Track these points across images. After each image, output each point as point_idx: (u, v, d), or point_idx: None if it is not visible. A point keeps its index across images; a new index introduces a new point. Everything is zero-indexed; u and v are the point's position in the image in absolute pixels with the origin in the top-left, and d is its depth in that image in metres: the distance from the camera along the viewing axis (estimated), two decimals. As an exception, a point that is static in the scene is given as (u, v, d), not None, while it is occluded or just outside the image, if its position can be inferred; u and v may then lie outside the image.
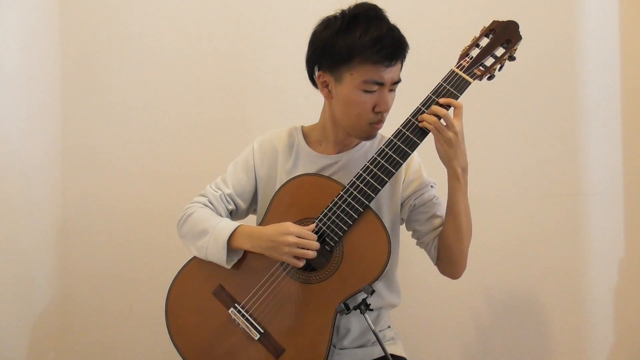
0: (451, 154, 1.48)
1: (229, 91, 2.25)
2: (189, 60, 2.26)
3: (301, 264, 1.49)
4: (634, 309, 2.22)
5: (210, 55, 2.25)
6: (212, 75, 2.25)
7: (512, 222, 2.22)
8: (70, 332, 2.27)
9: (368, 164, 1.51)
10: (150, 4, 2.26)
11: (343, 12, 1.54)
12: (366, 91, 1.50)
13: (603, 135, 2.21)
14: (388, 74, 1.50)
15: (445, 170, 1.53)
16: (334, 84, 1.54)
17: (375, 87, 1.50)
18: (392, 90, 1.55)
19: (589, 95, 2.20)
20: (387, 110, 1.55)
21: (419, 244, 1.68)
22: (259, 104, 2.24)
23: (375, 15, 1.51)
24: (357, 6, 1.54)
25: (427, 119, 1.47)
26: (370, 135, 1.59)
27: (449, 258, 1.60)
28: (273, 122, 2.16)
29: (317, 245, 1.49)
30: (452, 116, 1.47)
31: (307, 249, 1.48)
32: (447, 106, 1.49)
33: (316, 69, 1.59)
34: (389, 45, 1.47)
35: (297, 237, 1.48)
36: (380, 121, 1.56)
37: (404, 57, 1.54)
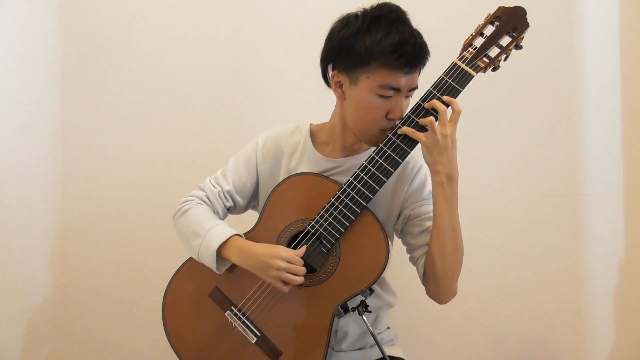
0: (436, 156, 1.43)
1: (229, 89, 2.25)
2: (188, 59, 2.26)
3: (286, 289, 1.47)
4: (634, 309, 2.21)
5: (211, 53, 2.25)
6: (212, 73, 2.25)
7: (511, 222, 2.21)
8: (69, 331, 2.27)
9: (366, 163, 1.47)
10: (150, 3, 2.26)
11: (364, 12, 1.47)
12: (381, 96, 1.45)
13: (603, 135, 2.20)
14: (405, 81, 1.44)
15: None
16: (349, 86, 1.49)
17: (391, 93, 1.45)
18: (408, 96, 1.50)
19: (589, 95, 2.19)
20: (400, 118, 1.47)
21: (410, 259, 1.61)
22: (259, 102, 2.24)
23: (398, 18, 1.45)
24: (380, 6, 1.47)
25: (422, 121, 1.44)
26: (380, 142, 1.50)
27: (432, 276, 1.50)
28: (273, 120, 2.16)
29: (304, 270, 1.46)
30: (447, 117, 1.43)
31: (295, 275, 1.45)
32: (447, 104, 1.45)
33: (330, 67, 1.53)
34: (410, 52, 1.42)
35: (287, 262, 1.45)
36: (392, 128, 1.48)
37: (424, 64, 1.48)
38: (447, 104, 1.44)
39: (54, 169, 2.23)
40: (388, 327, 1.73)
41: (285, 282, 1.46)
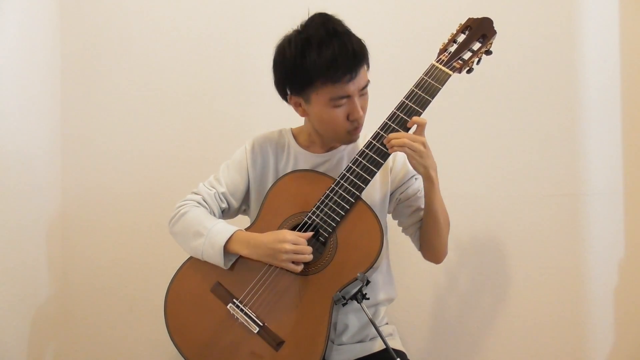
0: (424, 162, 1.53)
1: (227, 90, 2.27)
2: (188, 58, 2.28)
3: (299, 269, 1.53)
4: (634, 309, 2.20)
5: (210, 54, 2.28)
6: (211, 73, 2.28)
7: (511, 221, 2.22)
8: (72, 330, 2.28)
9: (357, 156, 1.56)
10: (150, 3, 2.28)
11: (296, 34, 1.57)
12: (335, 106, 1.55)
13: (603, 135, 2.20)
14: (352, 86, 1.54)
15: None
16: (305, 104, 1.61)
17: (344, 101, 1.55)
18: (362, 94, 1.59)
19: (589, 95, 2.19)
20: (360, 117, 1.59)
21: (403, 231, 1.75)
22: (258, 103, 2.25)
23: (327, 33, 1.53)
24: (308, 26, 1.57)
25: (396, 143, 1.51)
26: (351, 141, 1.64)
27: (429, 248, 1.70)
28: (271, 121, 2.15)
29: (310, 249, 1.53)
30: (413, 134, 1.53)
31: (304, 254, 1.52)
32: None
33: (287, 90, 1.63)
34: (345, 63, 1.51)
35: (293, 244, 1.51)
36: (357, 127, 1.61)
37: (366, 62, 1.57)
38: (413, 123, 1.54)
39: (54, 168, 2.24)
40: (387, 323, 1.76)
41: (296, 263, 1.53)
